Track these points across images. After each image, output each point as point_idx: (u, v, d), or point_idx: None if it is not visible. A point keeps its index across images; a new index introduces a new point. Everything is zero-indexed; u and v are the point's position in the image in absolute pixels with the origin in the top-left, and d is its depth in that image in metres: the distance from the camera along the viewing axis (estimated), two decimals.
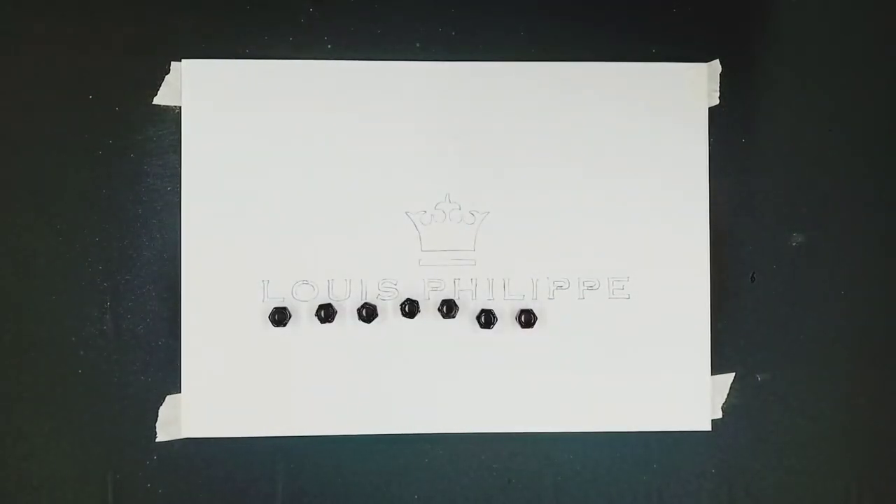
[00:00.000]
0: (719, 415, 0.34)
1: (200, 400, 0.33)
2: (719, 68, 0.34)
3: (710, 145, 0.34)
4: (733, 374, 0.35)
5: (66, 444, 0.34)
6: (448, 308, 0.33)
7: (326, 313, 0.33)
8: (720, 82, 0.34)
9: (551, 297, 0.34)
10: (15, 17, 0.34)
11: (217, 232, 0.33)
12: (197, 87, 0.33)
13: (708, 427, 0.34)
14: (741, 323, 0.35)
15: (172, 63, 0.34)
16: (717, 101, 0.34)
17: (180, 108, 0.34)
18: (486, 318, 0.33)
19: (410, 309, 0.33)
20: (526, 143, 0.34)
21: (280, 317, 0.33)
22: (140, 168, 0.34)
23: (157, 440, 0.34)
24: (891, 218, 0.35)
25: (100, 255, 0.34)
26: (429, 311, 0.34)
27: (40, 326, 0.33)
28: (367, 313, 0.33)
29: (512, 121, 0.34)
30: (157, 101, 0.34)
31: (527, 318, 0.33)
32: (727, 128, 0.35)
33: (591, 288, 0.34)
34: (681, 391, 0.34)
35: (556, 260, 0.34)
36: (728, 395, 0.34)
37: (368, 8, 0.34)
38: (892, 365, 0.35)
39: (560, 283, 0.34)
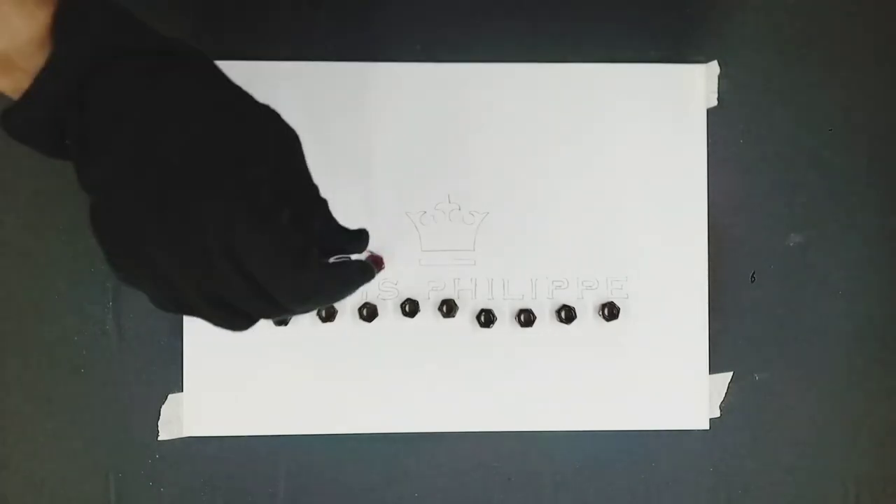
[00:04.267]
0: (717, 414, 0.35)
1: (202, 399, 0.33)
2: (717, 70, 0.35)
3: (708, 146, 0.34)
4: (731, 374, 0.35)
5: (69, 442, 0.34)
6: (448, 308, 0.34)
7: (328, 312, 0.33)
8: (718, 84, 0.35)
9: (550, 296, 0.34)
10: None
11: None
12: None
13: (706, 426, 0.34)
14: (739, 322, 0.35)
15: None
16: (714, 103, 0.35)
17: None
18: (486, 318, 0.34)
19: (411, 308, 0.34)
20: (525, 144, 0.34)
21: None
22: None
23: (160, 438, 0.34)
24: (888, 218, 0.35)
25: (102, 254, 0.34)
26: (429, 310, 0.34)
27: (43, 326, 0.34)
28: (368, 313, 0.34)
29: (511, 122, 0.34)
30: None
31: (526, 318, 0.34)
32: (725, 129, 0.35)
33: (589, 288, 0.34)
34: (679, 390, 0.34)
35: (555, 260, 0.34)
36: (726, 394, 0.35)
37: (368, 9, 0.34)
38: (890, 364, 0.35)
39: (559, 283, 0.34)
